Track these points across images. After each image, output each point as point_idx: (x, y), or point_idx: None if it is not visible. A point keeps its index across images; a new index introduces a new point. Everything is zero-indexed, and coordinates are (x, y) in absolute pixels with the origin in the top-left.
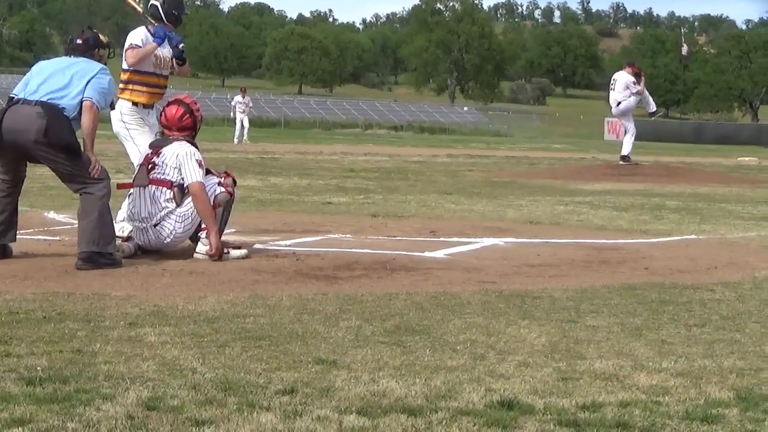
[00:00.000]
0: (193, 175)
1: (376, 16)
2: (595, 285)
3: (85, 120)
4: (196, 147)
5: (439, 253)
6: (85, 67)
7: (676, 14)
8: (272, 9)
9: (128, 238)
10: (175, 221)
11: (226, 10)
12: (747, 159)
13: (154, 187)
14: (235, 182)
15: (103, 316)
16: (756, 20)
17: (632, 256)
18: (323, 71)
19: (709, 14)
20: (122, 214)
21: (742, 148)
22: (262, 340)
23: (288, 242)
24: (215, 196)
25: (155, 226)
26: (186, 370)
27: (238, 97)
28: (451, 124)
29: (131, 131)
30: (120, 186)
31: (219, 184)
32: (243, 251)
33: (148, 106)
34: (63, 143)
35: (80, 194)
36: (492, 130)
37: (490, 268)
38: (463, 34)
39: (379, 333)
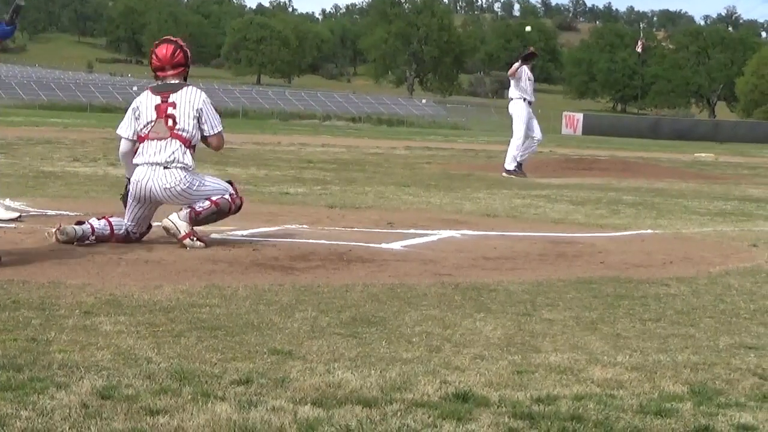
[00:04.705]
0: (214, 125)
1: (336, 7)
2: (550, 278)
3: None
4: None
5: (396, 245)
6: None
7: (635, 9)
8: None
9: (80, 222)
10: (184, 177)
11: None
12: (704, 155)
13: (177, 142)
14: (239, 207)
15: (58, 305)
16: (714, 16)
17: (588, 250)
18: (282, 61)
19: (667, 9)
20: None
21: (698, 144)
22: (217, 330)
23: (245, 232)
24: (221, 196)
25: (165, 168)
26: (141, 359)
27: None
28: (409, 116)
29: None
30: (141, 138)
31: (231, 194)
32: (202, 244)
33: None
34: None
35: None
36: (450, 122)
37: (447, 261)
38: (422, 26)
39: (335, 324)
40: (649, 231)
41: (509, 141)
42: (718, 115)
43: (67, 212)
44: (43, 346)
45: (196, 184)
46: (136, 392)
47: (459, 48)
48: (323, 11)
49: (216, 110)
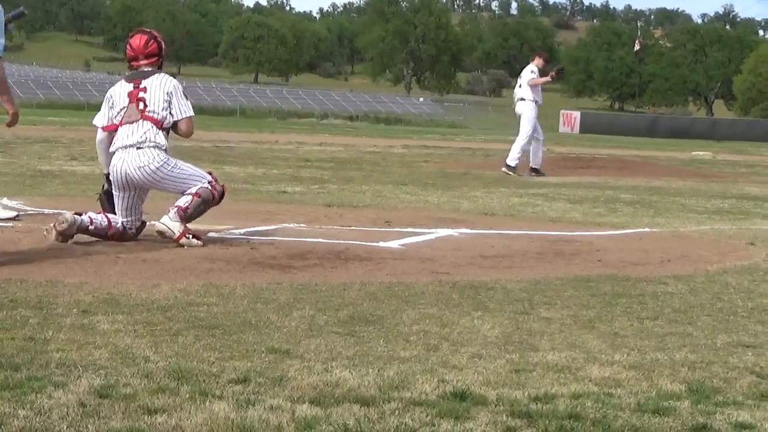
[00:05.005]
0: (183, 110)
1: (333, 6)
2: (548, 277)
3: None
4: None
5: (394, 244)
6: None
7: (633, 7)
8: None
9: (80, 213)
10: (157, 155)
11: None
12: (701, 153)
13: (149, 123)
14: (222, 195)
15: (55, 304)
16: (712, 14)
17: (586, 249)
18: (279, 60)
19: (665, 8)
20: None
21: (696, 142)
22: (215, 328)
23: (242, 231)
24: (201, 186)
25: (138, 148)
26: (139, 358)
27: None
28: (406, 114)
29: None
30: (106, 128)
31: (210, 182)
32: (199, 242)
33: None
34: None
35: None
36: (448, 121)
37: (444, 259)
38: (419, 24)
39: (333, 323)
40: (647, 229)
41: (514, 139)
42: (715, 113)
43: (65, 211)
44: (41, 345)
45: (171, 164)
46: (133, 391)
47: (456, 46)
48: (321, 10)
49: (187, 98)
